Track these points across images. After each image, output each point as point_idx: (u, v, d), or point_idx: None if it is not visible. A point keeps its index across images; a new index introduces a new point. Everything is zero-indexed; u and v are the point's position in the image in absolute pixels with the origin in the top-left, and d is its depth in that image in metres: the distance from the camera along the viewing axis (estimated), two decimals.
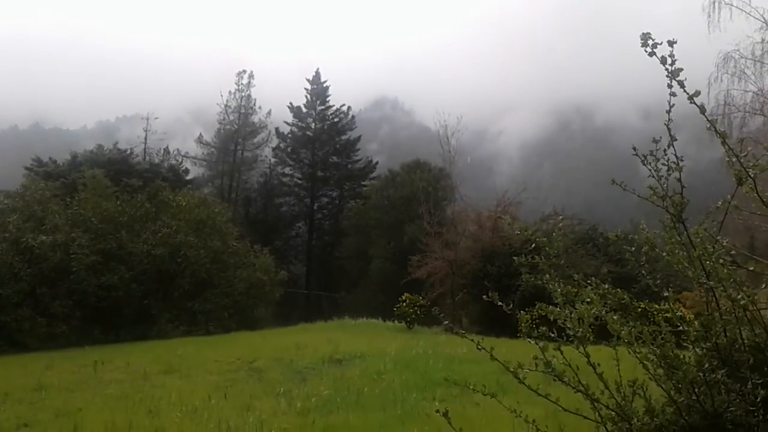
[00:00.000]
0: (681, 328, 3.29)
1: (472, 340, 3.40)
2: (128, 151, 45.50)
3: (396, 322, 23.43)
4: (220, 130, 54.43)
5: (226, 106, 53.61)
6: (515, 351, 3.57)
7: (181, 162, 51.79)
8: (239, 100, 53.84)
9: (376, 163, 57.29)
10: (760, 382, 2.98)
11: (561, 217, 26.14)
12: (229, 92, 53.80)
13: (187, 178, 49.64)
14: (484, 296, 3.71)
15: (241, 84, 53.89)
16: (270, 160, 55.97)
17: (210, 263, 26.99)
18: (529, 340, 3.38)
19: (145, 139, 50.78)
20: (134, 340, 21.87)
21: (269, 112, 55.39)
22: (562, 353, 3.27)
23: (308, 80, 56.71)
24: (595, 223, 31.43)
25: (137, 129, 52.54)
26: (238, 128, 53.41)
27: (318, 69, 57.23)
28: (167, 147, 52.67)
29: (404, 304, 22.46)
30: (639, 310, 3.75)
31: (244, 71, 54.31)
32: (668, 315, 3.56)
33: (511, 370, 3.19)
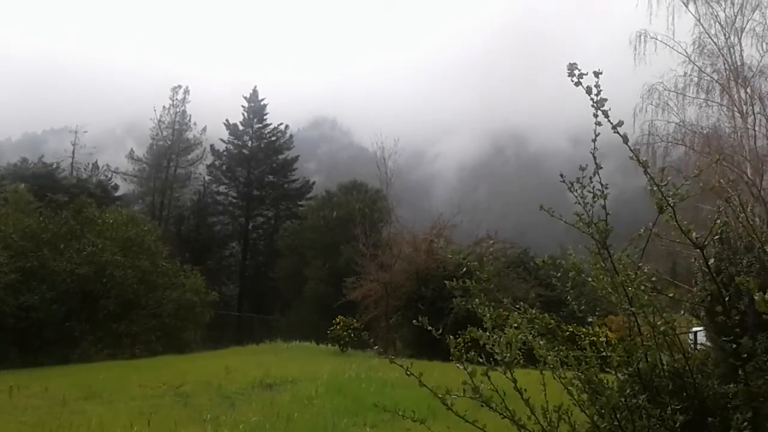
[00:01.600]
0: (604, 352, 3.34)
1: (401, 366, 3.35)
2: (54, 165, 43.83)
3: (329, 345, 23.19)
4: (153, 145, 53.16)
5: (159, 121, 52.52)
6: (447, 375, 3.55)
7: (111, 177, 50.28)
8: (173, 116, 52.83)
9: (314, 183, 57.05)
10: (679, 407, 3.05)
11: (492, 241, 26.53)
12: (164, 107, 52.78)
13: (117, 194, 48.17)
14: (414, 321, 3.69)
15: (176, 99, 52.96)
16: (204, 177, 54.96)
17: (137, 283, 26.04)
18: (458, 365, 3.37)
19: (73, 152, 49.07)
20: (55, 363, 20.79)
21: (204, 129, 54.55)
22: (489, 379, 3.27)
23: (245, 98, 56.15)
24: (526, 247, 32.17)
25: (65, 142, 50.84)
26: (172, 144, 52.28)
27: (255, 87, 56.78)
28: (96, 161, 51.12)
29: (338, 326, 22.26)
30: (567, 333, 3.81)
31: (180, 86, 53.43)
32: (594, 338, 3.63)
33: (440, 396, 3.17)
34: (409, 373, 3.30)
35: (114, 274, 24.73)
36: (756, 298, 2.57)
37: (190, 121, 53.38)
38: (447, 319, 18.99)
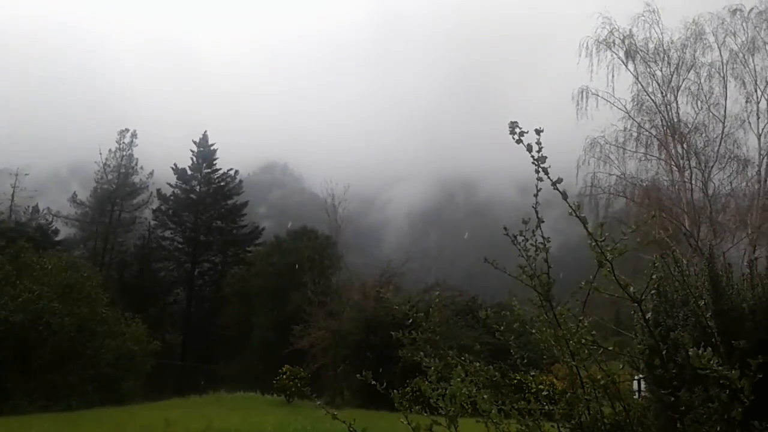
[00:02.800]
0: (546, 406, 3.36)
1: (344, 422, 3.29)
2: None
3: (275, 395, 22.65)
4: (97, 189, 51.99)
5: (105, 164, 51.54)
6: (395, 426, 3.48)
7: (51, 221, 48.70)
8: (120, 159, 51.92)
9: (263, 228, 56.50)
10: None
11: (437, 291, 26.57)
12: (110, 150, 51.86)
13: (57, 238, 46.64)
14: (358, 375, 3.65)
15: (123, 143, 52.16)
16: (149, 222, 53.75)
17: (75, 332, 24.99)
18: (402, 420, 3.33)
19: (12, 195, 47.38)
20: None
21: (152, 173, 53.70)
22: None
23: (195, 142, 55.61)
24: (474, 294, 32.38)
25: (5, 185, 49.07)
26: (117, 188, 51.23)
27: (206, 132, 56.38)
28: (36, 205, 49.46)
29: (284, 376, 21.81)
30: (514, 382, 3.81)
31: (127, 130, 52.73)
32: (541, 387, 3.66)
33: None
34: (352, 429, 3.23)
35: (50, 321, 23.72)
36: (690, 353, 2.65)
37: (136, 164, 52.59)
38: (396, 367, 18.84)
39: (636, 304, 3.24)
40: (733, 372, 2.80)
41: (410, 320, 4.03)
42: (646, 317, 3.33)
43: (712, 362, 2.72)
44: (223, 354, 45.85)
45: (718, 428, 3.15)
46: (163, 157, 59.87)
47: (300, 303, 30.98)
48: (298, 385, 21.43)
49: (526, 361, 3.64)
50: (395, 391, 3.39)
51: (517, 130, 3.29)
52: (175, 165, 55.02)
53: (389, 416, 12.00)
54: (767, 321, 4.14)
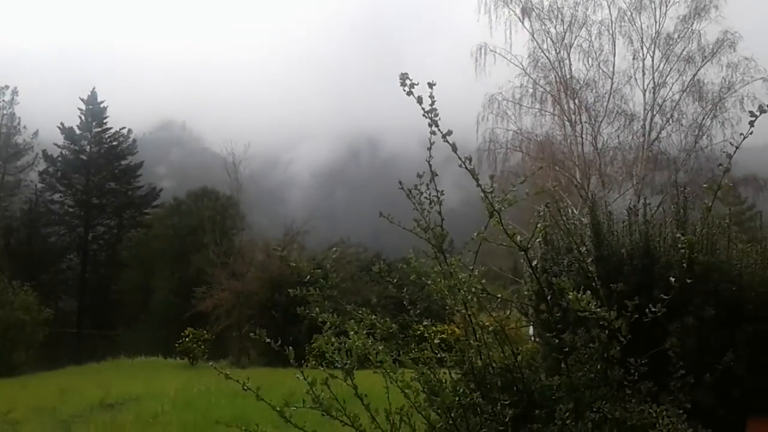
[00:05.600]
0: (439, 354, 3.44)
1: (237, 381, 3.24)
2: None
3: (178, 359, 22.21)
4: None
5: None
6: (301, 382, 3.46)
7: None
8: (0, 119, 48.10)
9: (160, 190, 54.36)
10: (508, 402, 3.19)
11: (334, 248, 26.69)
12: None
13: None
14: (251, 334, 3.60)
15: (3, 101, 48.22)
16: (36, 185, 50.48)
17: None
18: (298, 376, 3.32)
19: None
20: None
21: (36, 133, 49.96)
22: (329, 387, 3.25)
23: (83, 100, 52.37)
24: (379, 250, 32.79)
25: None
26: None
27: (94, 88, 53.14)
28: None
29: (187, 339, 21.39)
30: (418, 333, 3.87)
31: (7, 87, 48.65)
32: (444, 336, 3.75)
33: (278, 409, 3.10)
34: (246, 387, 3.19)
35: None
36: (570, 297, 2.76)
37: (19, 124, 48.82)
38: (302, 325, 18.89)
39: (523, 252, 3.35)
40: (611, 313, 2.95)
41: (308, 278, 4.01)
42: (533, 264, 3.45)
43: (590, 305, 2.85)
44: (123, 320, 44.40)
45: (599, 366, 3.34)
46: (48, 117, 56.01)
47: (202, 265, 30.34)
48: (202, 347, 21.11)
49: (419, 311, 3.70)
50: (290, 348, 3.38)
51: (408, 82, 3.26)
52: (62, 124, 51.67)
53: (297, 373, 12.06)
54: (643, 265, 4.41)
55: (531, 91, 22.16)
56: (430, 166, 3.65)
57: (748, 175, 20.87)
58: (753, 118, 2.83)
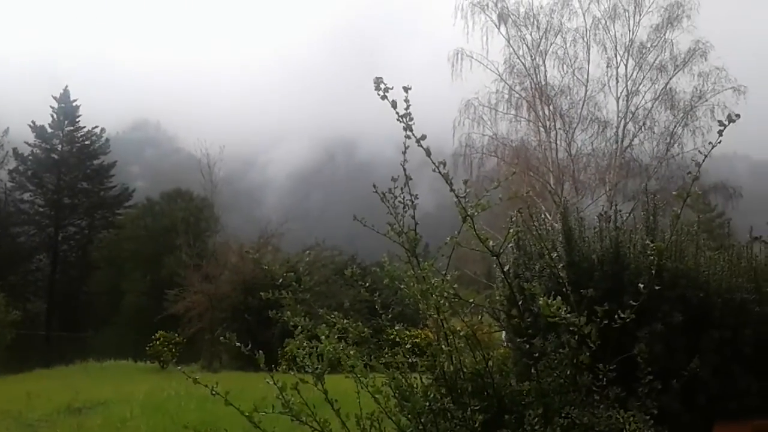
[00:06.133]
0: (411, 359, 3.44)
1: (206, 386, 3.20)
2: None
3: (149, 362, 21.92)
4: None
5: None
6: (273, 386, 3.42)
7: None
8: None
9: (133, 190, 53.68)
10: (478, 407, 3.19)
11: (307, 251, 26.58)
12: None
13: None
14: (221, 338, 3.56)
15: None
16: (6, 184, 49.54)
17: None
18: (267, 381, 3.29)
19: None
20: None
21: (7, 131, 49.13)
22: (299, 392, 3.22)
23: (55, 98, 51.55)
24: (354, 254, 32.73)
25: None
26: None
27: (67, 86, 52.36)
28: None
29: (158, 342, 21.11)
30: (392, 337, 3.85)
31: None
32: (417, 341, 3.74)
33: (246, 414, 3.06)
34: (214, 392, 3.15)
35: None
36: (540, 302, 2.78)
37: None
38: (275, 328, 18.73)
39: (495, 257, 3.35)
40: (581, 319, 2.97)
41: (280, 281, 3.97)
42: (505, 270, 3.46)
43: (561, 310, 2.87)
44: (93, 322, 43.76)
45: (568, 372, 3.36)
46: (19, 115, 55.06)
47: (174, 267, 30.02)
48: (173, 350, 20.85)
49: (392, 316, 3.69)
50: (260, 352, 3.35)
51: (382, 86, 3.25)
52: (34, 122, 50.83)
53: (269, 377, 11.96)
54: (613, 271, 4.45)
55: (507, 96, 22.37)
56: (405, 170, 3.64)
57: (718, 183, 21.26)
58: (722, 128, 2.87)
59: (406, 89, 3.44)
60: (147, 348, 21.60)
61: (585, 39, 21.80)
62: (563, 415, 3.15)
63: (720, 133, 2.91)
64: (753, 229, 5.46)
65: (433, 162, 3.31)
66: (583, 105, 21.67)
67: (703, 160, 3.02)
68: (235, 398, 3.26)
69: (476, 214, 3.37)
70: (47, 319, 46.64)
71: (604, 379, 3.18)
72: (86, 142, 51.94)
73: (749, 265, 4.85)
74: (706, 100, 20.92)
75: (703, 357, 3.98)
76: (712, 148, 2.96)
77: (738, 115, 2.85)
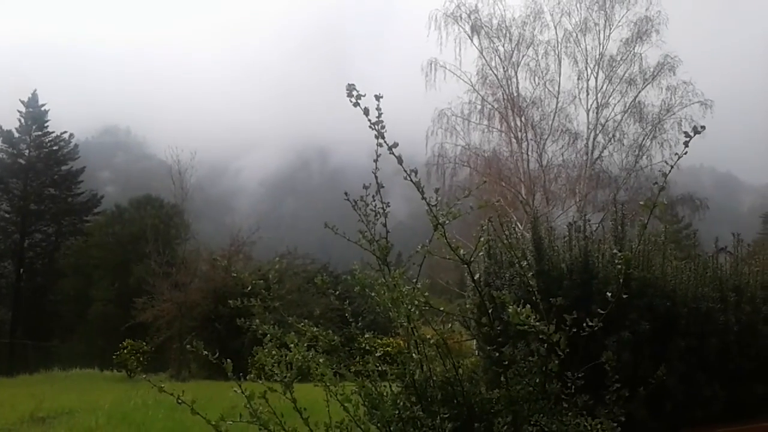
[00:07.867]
0: (381, 367, 3.42)
1: (171, 394, 3.15)
2: None
3: (115, 371, 21.53)
4: None
5: None
6: (241, 395, 3.38)
7: None
8: None
9: (102, 197, 52.75)
10: (447, 415, 3.19)
11: (277, 258, 26.34)
12: None
13: None
14: (188, 346, 3.50)
15: None
16: None
17: None
18: (235, 389, 3.25)
19: None
20: None
21: None
22: (267, 401, 3.19)
23: (23, 102, 50.57)
24: (326, 262, 32.59)
25: None
26: None
27: (35, 91, 51.36)
28: None
29: (125, 350, 20.74)
30: (363, 345, 3.83)
31: None
32: (388, 349, 3.72)
33: (212, 423, 3.02)
34: (180, 401, 3.10)
35: None
36: (510, 310, 2.79)
37: None
38: (245, 337, 18.55)
39: (466, 266, 3.36)
40: (550, 327, 2.99)
41: (249, 288, 3.93)
42: (475, 278, 3.47)
43: (530, 318, 2.88)
44: (59, 330, 42.83)
45: (537, 380, 3.37)
46: None
47: (143, 275, 29.50)
48: (141, 359, 20.51)
49: (362, 324, 3.67)
50: (228, 360, 3.30)
51: (354, 93, 3.25)
52: (0, 127, 49.80)
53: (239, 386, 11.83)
54: (582, 280, 4.50)
55: (479, 107, 22.58)
56: (377, 177, 3.64)
57: (685, 195, 21.68)
58: (687, 139, 2.92)
59: (377, 97, 3.44)
60: (114, 357, 21.21)
61: (556, 51, 22.12)
62: (532, 422, 3.16)
63: (686, 144, 2.95)
64: (718, 240, 5.56)
65: (405, 170, 3.32)
66: (554, 116, 21.95)
67: (670, 171, 3.07)
68: (203, 407, 3.21)
69: (448, 222, 3.38)
70: (12, 327, 45.49)
71: (573, 386, 3.20)
72: (54, 148, 50.97)
73: (714, 275, 4.94)
74: (674, 114, 21.36)
75: (669, 365, 4.04)
76: (678, 159, 3.00)
77: (703, 127, 2.90)
